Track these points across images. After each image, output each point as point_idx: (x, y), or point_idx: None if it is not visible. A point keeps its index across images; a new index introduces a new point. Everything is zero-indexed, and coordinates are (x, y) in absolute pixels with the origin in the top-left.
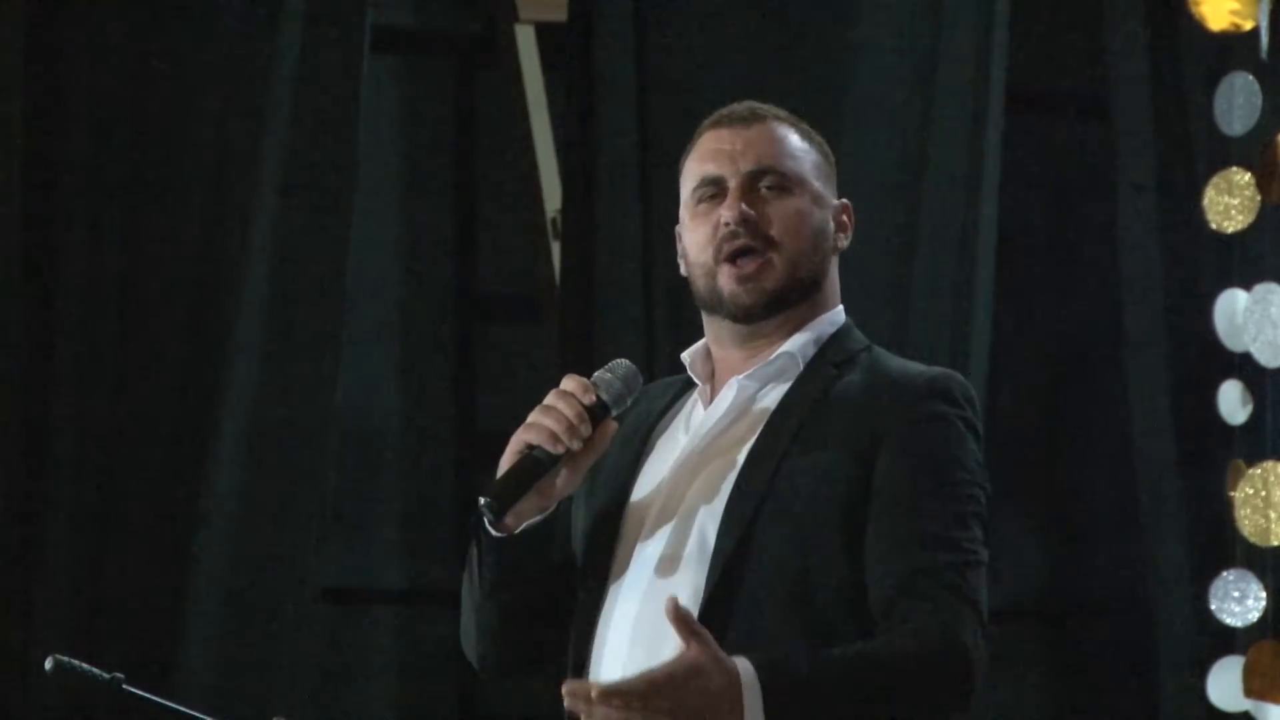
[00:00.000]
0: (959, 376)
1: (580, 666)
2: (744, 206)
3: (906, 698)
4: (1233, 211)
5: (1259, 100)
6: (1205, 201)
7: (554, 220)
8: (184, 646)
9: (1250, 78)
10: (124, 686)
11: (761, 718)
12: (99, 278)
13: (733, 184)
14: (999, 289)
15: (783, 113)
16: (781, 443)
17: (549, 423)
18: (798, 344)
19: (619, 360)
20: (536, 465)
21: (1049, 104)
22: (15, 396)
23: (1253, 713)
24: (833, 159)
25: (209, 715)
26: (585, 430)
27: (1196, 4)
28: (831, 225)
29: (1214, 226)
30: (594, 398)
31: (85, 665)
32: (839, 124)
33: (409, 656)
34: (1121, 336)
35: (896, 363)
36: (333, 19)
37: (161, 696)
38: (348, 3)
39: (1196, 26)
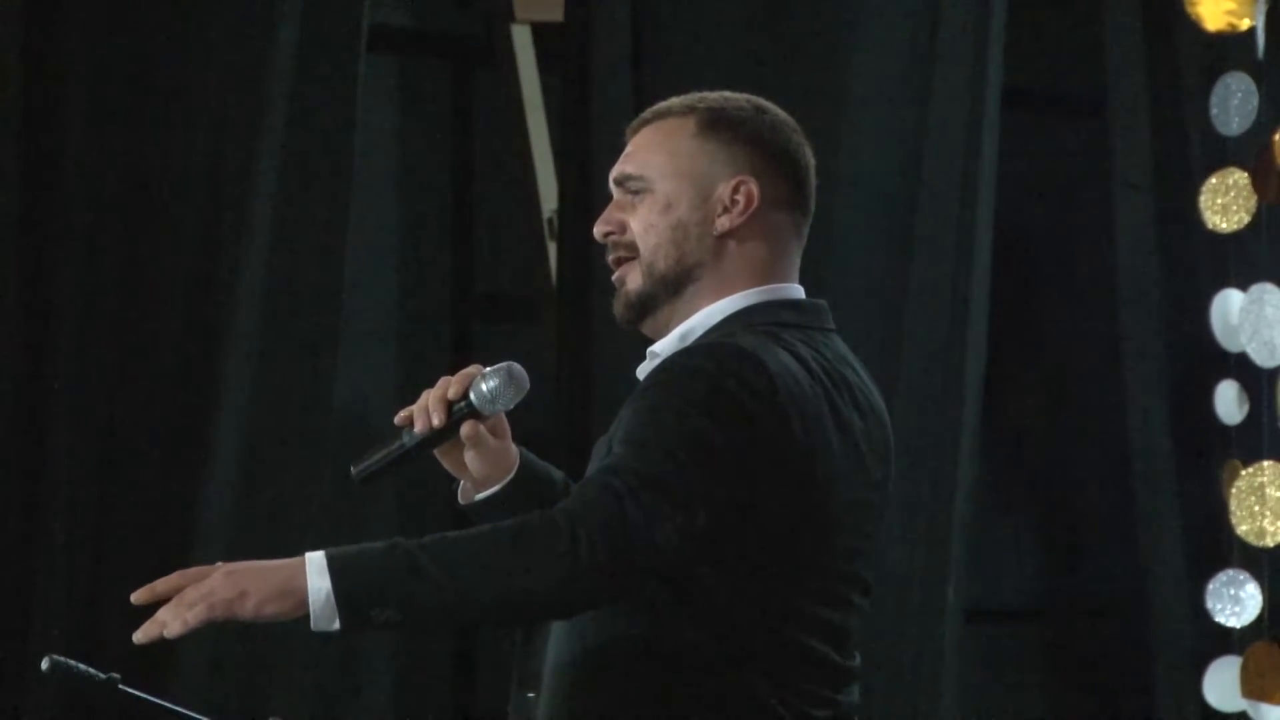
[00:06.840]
0: (719, 347)
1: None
2: (600, 222)
3: (488, 561)
4: (1229, 211)
5: (1255, 100)
6: (1201, 201)
7: (551, 220)
8: (181, 646)
9: (1246, 78)
10: (120, 687)
11: (325, 568)
12: (96, 278)
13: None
14: (996, 289)
15: (685, 102)
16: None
17: (416, 404)
18: (665, 345)
19: (505, 364)
20: (398, 444)
21: (1046, 103)
22: (12, 399)
23: (1249, 713)
24: (741, 126)
25: (206, 716)
26: (437, 419)
27: (1193, 4)
28: (709, 209)
29: (1210, 226)
30: (461, 392)
31: (82, 665)
32: (836, 124)
33: (405, 657)
34: (1118, 336)
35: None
36: (329, 19)
37: (159, 697)
38: (344, 2)
39: (1193, 26)
